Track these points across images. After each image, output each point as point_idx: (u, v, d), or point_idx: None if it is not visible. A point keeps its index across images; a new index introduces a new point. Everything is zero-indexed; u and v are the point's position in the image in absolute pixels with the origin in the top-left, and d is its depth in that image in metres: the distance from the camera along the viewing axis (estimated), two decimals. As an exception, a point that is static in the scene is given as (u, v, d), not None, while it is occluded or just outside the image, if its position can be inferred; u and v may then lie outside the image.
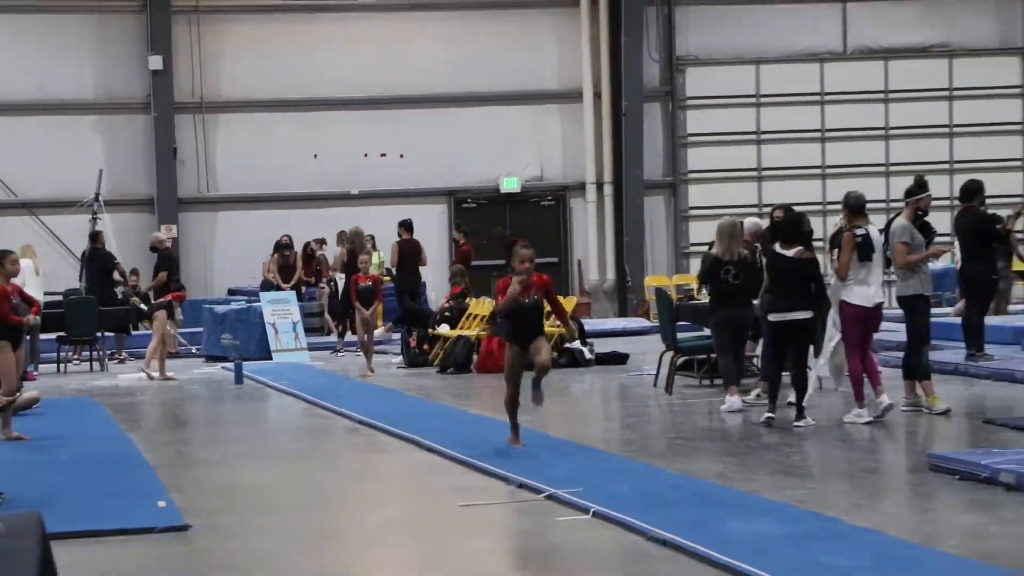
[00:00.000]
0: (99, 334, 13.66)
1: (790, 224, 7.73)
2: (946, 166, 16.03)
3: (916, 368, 8.24)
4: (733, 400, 8.06)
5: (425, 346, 13.10)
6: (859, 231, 7.47)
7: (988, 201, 9.92)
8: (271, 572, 5.09)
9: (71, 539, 5.38)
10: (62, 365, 13.60)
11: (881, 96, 16.43)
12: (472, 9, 16.51)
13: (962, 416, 8.80)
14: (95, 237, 14.77)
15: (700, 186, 16.40)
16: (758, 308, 8.02)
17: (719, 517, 5.63)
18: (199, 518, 5.90)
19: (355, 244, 14.09)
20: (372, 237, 14.62)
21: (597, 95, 16.30)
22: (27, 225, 15.25)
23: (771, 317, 7.49)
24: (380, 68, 16.10)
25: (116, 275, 14.47)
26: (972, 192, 9.32)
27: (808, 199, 15.24)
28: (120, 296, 14.53)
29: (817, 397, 8.83)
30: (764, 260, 8.13)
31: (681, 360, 9.79)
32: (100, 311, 13.92)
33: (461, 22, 16.48)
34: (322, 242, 15.58)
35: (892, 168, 16.09)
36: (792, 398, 7.70)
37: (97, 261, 14.48)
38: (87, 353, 13.81)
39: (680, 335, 9.69)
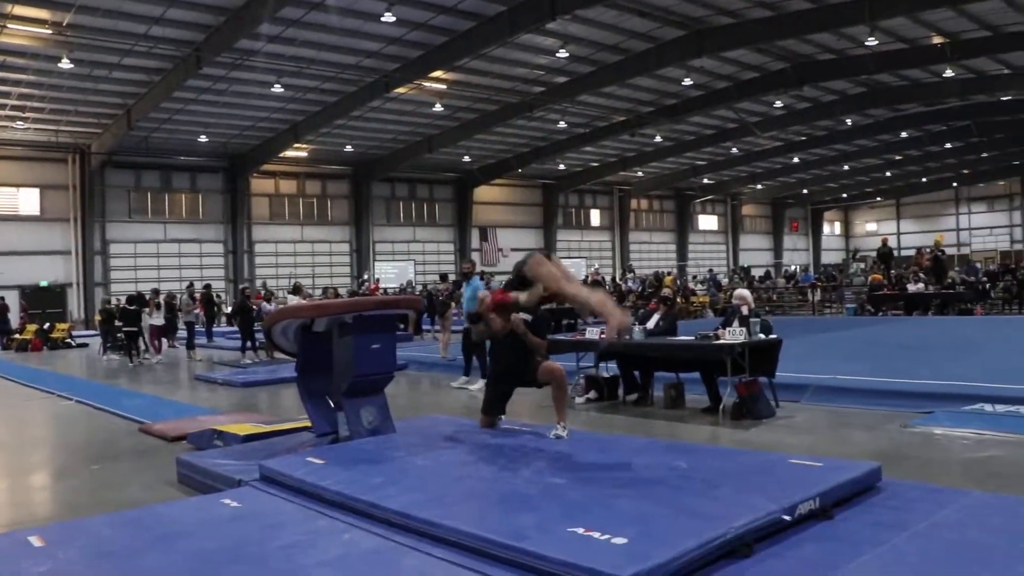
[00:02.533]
0: None
1: None
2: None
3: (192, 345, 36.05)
4: None
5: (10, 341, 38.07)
6: None
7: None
8: None
9: None
10: None
11: (176, 255, 45.79)
12: (28, 221, 42.22)
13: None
14: None
15: (116, 284, 43.74)
16: None
17: (121, 398, 14.73)
18: None
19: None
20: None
21: (77, 252, 42.87)
22: None
23: None
24: None
25: None
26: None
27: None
28: None
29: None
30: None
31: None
32: None
33: (24, 226, 42.00)
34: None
35: (182, 279, 45.49)
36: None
37: None
38: None
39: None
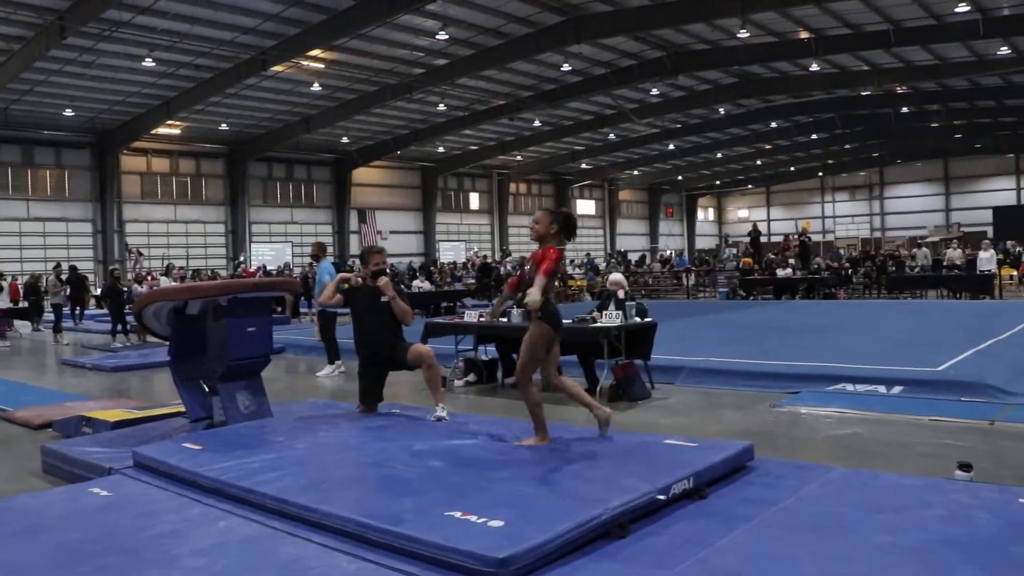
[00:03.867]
0: None
1: None
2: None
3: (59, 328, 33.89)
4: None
5: None
6: None
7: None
8: None
9: None
10: None
11: (41, 234, 43.77)
12: None
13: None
14: None
15: None
16: None
17: None
18: None
19: None
20: None
21: None
22: None
23: None
24: None
25: None
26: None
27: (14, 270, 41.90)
28: None
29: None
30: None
31: None
32: None
33: None
34: None
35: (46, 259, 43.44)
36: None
37: None
38: None
39: None
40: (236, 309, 7.68)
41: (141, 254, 42.61)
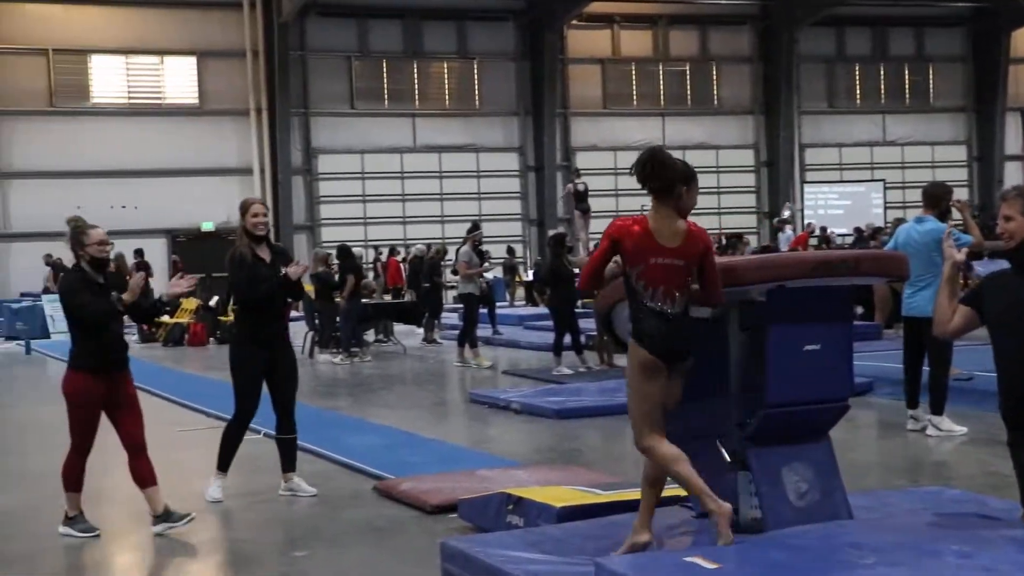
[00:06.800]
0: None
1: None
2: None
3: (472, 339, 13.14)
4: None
5: (153, 329, 18.15)
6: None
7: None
8: (45, 481, 6.02)
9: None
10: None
11: (437, 175, 25.92)
12: (181, 115, 24.59)
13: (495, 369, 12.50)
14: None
15: (329, 228, 25.00)
16: None
17: (344, 434, 7.92)
18: None
19: (120, 263, 21.73)
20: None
21: (262, 171, 24.64)
22: None
23: None
24: (122, 151, 23.55)
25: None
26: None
27: (394, 237, 24.82)
28: None
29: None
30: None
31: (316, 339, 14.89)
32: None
33: (175, 124, 24.38)
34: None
35: (446, 218, 25.45)
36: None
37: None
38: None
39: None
40: (783, 309, 4.49)
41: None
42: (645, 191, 3.97)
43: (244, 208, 5.80)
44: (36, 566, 5.07)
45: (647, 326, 4.03)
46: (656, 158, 3.95)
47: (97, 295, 5.17)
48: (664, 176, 3.91)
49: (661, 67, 27.64)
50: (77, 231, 5.19)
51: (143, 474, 5.33)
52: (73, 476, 5.28)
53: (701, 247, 3.98)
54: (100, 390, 5.19)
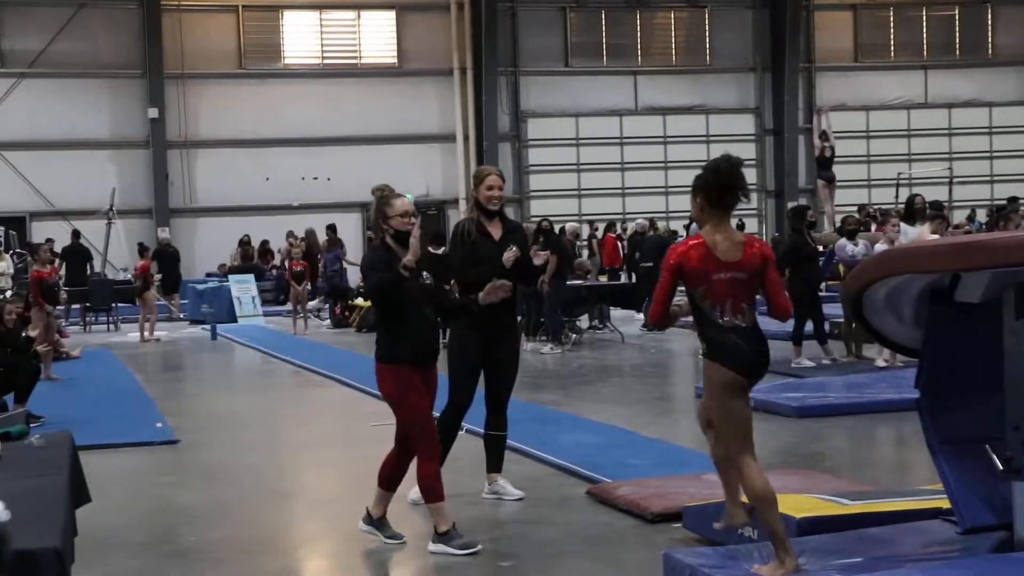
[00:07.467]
0: (113, 304, 18.00)
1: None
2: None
3: None
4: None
5: (346, 313, 17.02)
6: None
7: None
8: (237, 471, 6.57)
9: (93, 449, 6.74)
10: (87, 327, 17.84)
11: (661, 140, 23.71)
12: (378, 76, 22.96)
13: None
14: (76, 235, 19.32)
15: (539, 201, 23.09)
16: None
17: (554, 432, 7.62)
18: (186, 435, 7.79)
19: (311, 240, 19.85)
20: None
21: (466, 137, 22.87)
22: (61, 227, 20.64)
23: None
24: (313, 117, 22.14)
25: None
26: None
27: (612, 210, 22.53)
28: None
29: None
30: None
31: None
32: (114, 288, 18.23)
33: (371, 86, 22.78)
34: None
35: (671, 189, 23.11)
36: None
37: (79, 253, 19.19)
38: (104, 318, 18.03)
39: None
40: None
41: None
42: (710, 202, 3.95)
43: (479, 178, 5.53)
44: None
45: (724, 343, 4.08)
46: (738, 168, 3.96)
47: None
48: (744, 188, 3.95)
49: (924, 11, 25.13)
50: (382, 201, 4.85)
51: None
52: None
53: (761, 258, 4.00)
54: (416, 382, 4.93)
